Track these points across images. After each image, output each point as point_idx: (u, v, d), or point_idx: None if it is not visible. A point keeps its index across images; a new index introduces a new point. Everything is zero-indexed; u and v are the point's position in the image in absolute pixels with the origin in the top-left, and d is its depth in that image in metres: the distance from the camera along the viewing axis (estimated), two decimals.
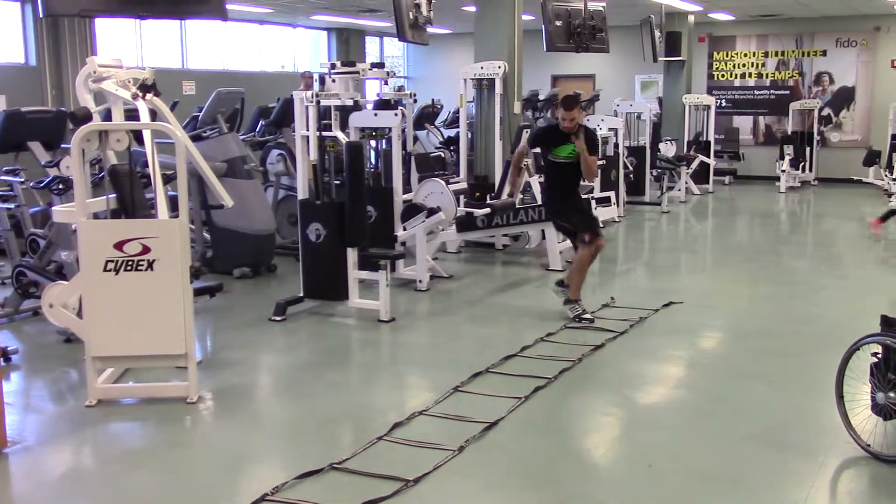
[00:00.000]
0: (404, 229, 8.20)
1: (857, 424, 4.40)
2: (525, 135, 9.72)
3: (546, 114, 15.70)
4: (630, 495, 4.02)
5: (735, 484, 4.10)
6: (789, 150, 16.25)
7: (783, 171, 15.96)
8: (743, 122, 18.21)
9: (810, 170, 16.67)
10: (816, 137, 16.82)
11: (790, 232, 12.71)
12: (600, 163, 11.82)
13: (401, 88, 8.96)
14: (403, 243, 8.29)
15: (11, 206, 7.65)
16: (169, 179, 6.68)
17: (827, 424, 4.65)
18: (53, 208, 6.18)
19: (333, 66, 7.69)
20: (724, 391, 5.43)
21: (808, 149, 16.60)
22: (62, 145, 7.79)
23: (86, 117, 6.12)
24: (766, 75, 17.94)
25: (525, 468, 4.32)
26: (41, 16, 7.07)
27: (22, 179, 7.78)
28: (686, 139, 16.05)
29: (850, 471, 4.31)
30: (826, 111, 17.31)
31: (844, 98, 17.33)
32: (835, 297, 8.09)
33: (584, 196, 8.02)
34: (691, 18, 17.03)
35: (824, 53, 17.37)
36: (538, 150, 7.48)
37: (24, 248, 7.38)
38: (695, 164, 15.25)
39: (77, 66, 11.08)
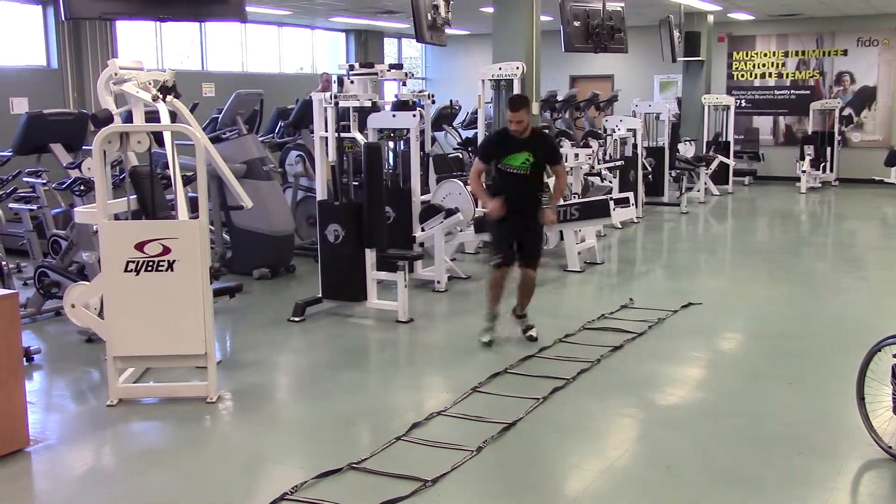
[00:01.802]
0: (422, 230, 8.21)
1: (879, 426, 4.36)
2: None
3: (565, 114, 15.66)
4: (649, 497, 4.01)
5: (755, 486, 4.08)
6: (810, 150, 16.13)
7: (803, 171, 15.84)
8: (763, 123, 18.09)
9: (831, 170, 16.53)
10: (837, 137, 16.68)
11: (810, 233, 12.61)
12: (618, 163, 11.87)
13: (420, 90, 8.96)
14: (422, 244, 8.29)
15: (34, 207, 7.73)
16: (189, 181, 6.73)
17: (848, 426, 4.61)
18: (75, 209, 6.24)
19: (352, 67, 7.72)
20: (744, 392, 5.40)
21: (828, 149, 16.46)
22: (83, 147, 7.88)
23: (107, 119, 6.17)
24: (787, 75, 17.82)
25: (543, 469, 4.32)
26: (63, 19, 7.13)
27: (44, 181, 7.86)
28: (705, 140, 15.96)
29: (872, 473, 4.27)
30: (847, 111, 17.16)
31: (866, 98, 17.17)
32: (855, 299, 8.03)
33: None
34: (710, 18, 16.94)
35: (845, 53, 17.23)
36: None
37: (46, 248, 7.45)
38: (714, 165, 15.17)
39: (98, 69, 11.16)
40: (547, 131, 10.17)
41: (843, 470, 4.23)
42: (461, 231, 8.88)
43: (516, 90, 9.89)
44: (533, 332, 6.38)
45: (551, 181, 6.73)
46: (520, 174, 6.09)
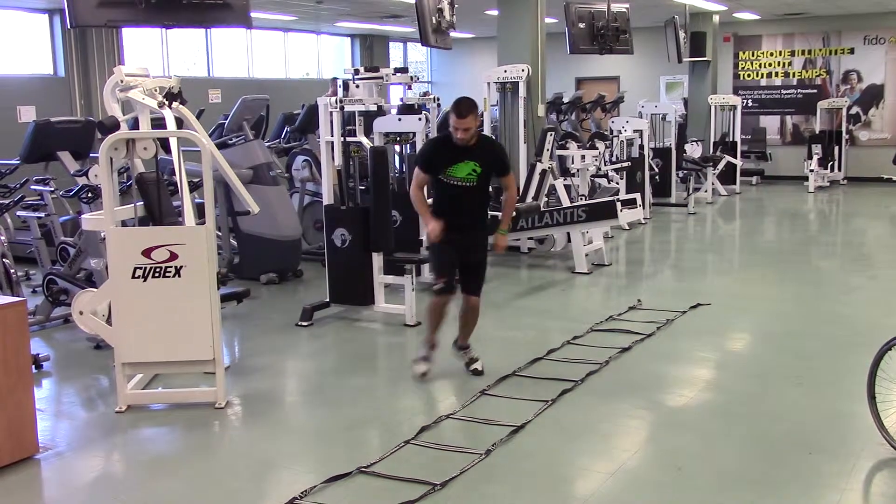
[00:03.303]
0: None
1: (890, 425, 4.33)
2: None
3: (570, 116, 15.65)
4: (660, 498, 3.99)
5: (766, 487, 4.06)
6: (817, 149, 16.08)
7: (811, 170, 15.79)
8: (770, 122, 18.05)
9: (839, 169, 16.48)
10: (845, 136, 16.63)
11: (819, 232, 12.57)
12: (625, 164, 11.84)
13: (425, 93, 8.96)
14: (428, 247, 8.28)
15: (42, 214, 7.76)
16: (196, 187, 6.74)
17: (859, 426, 4.59)
18: (83, 217, 6.25)
19: (357, 71, 7.72)
20: (754, 393, 5.37)
21: (836, 148, 16.41)
22: (91, 154, 7.90)
23: (114, 126, 6.20)
24: (793, 74, 17.77)
25: (553, 471, 4.30)
26: (69, 27, 7.14)
27: (52, 189, 7.89)
28: (712, 140, 15.92)
29: (883, 473, 4.25)
30: (854, 109, 17.12)
31: (873, 96, 17.12)
32: (865, 298, 7.99)
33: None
34: (716, 18, 16.90)
35: (852, 51, 17.18)
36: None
37: (54, 256, 7.48)
38: (721, 165, 15.13)
39: (105, 76, 11.22)
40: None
41: (854, 469, 4.21)
42: None
43: (521, 93, 9.89)
44: (478, 366, 5.71)
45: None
46: (465, 186, 5.40)
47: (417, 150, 7.90)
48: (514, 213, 8.89)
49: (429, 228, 5.46)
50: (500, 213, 5.91)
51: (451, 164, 5.39)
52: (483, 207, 5.66)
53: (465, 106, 5.29)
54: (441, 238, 5.41)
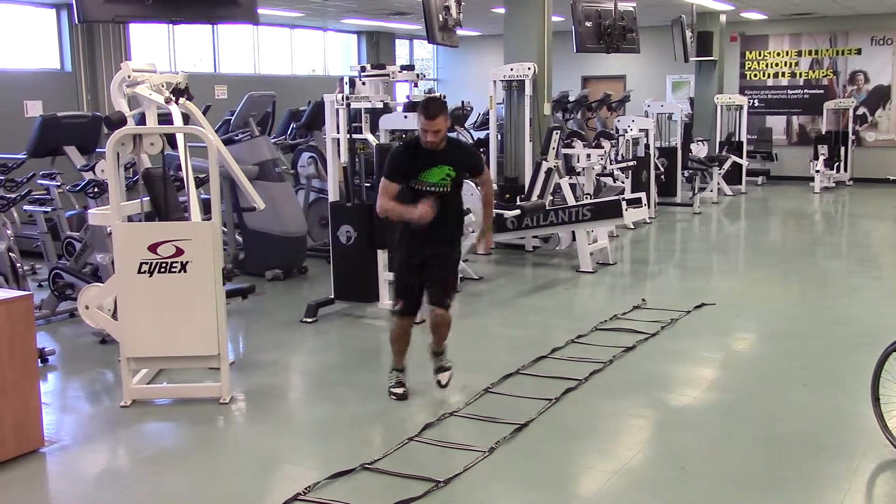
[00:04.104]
0: None
1: (894, 427, 4.33)
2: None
3: (576, 115, 15.64)
4: (663, 498, 4.00)
5: (769, 487, 4.06)
6: (823, 149, 16.05)
7: (817, 171, 15.76)
8: (776, 122, 18.01)
9: (845, 170, 16.45)
10: (851, 137, 16.60)
11: (824, 233, 12.55)
12: (630, 163, 11.83)
13: (431, 91, 8.96)
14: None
15: (48, 209, 7.77)
16: (201, 182, 6.75)
17: (863, 427, 4.58)
18: (89, 211, 6.27)
19: (363, 68, 7.73)
20: (758, 393, 5.37)
21: (842, 148, 16.38)
22: (97, 149, 7.92)
23: (120, 121, 6.21)
24: (800, 74, 17.73)
25: (555, 470, 4.31)
26: (77, 22, 7.16)
27: (58, 183, 7.90)
28: (718, 139, 15.90)
29: (887, 474, 4.25)
30: (861, 110, 17.07)
31: (880, 97, 17.07)
32: (870, 299, 7.98)
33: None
34: (723, 18, 16.87)
35: (859, 52, 17.13)
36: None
37: (60, 250, 7.49)
38: (727, 165, 15.11)
39: (112, 71, 11.25)
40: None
41: (858, 471, 4.21)
42: (473, 232, 8.86)
43: (528, 91, 9.88)
44: (442, 377, 5.33)
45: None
46: (439, 193, 5.02)
47: None
48: (521, 211, 8.93)
49: (418, 212, 4.95)
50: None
51: (423, 170, 5.02)
52: (459, 216, 5.36)
53: (434, 106, 4.93)
54: (402, 252, 5.16)
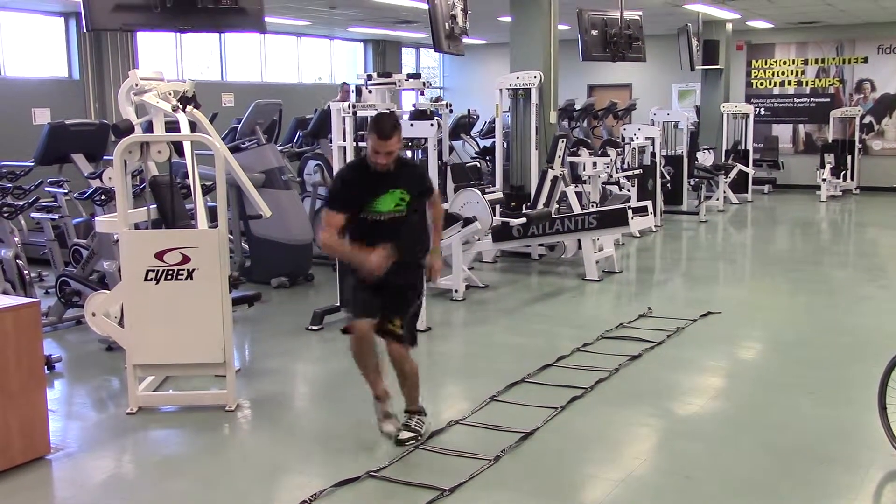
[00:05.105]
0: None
1: None
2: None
3: (582, 123, 15.66)
4: None
5: (775, 497, 4.05)
6: (830, 158, 16.02)
7: (824, 179, 15.74)
8: (782, 131, 17.99)
9: (851, 178, 16.42)
10: (858, 145, 16.58)
11: (831, 242, 12.52)
12: (636, 172, 11.83)
13: (437, 99, 8.98)
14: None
15: (55, 216, 7.81)
16: (208, 190, 6.78)
17: (869, 437, 4.57)
18: (96, 219, 6.29)
19: (370, 77, 7.75)
20: (764, 402, 5.36)
21: (849, 157, 16.36)
22: (105, 157, 7.95)
23: (128, 129, 6.24)
24: (806, 83, 17.72)
25: (561, 478, 4.30)
26: (85, 30, 7.20)
27: (66, 191, 7.94)
28: (724, 148, 15.90)
29: (894, 484, 4.24)
30: (868, 119, 17.06)
31: (887, 105, 17.05)
32: (876, 308, 7.95)
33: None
34: (729, 26, 16.88)
35: (865, 60, 17.12)
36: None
37: (67, 258, 7.52)
38: (733, 173, 15.10)
39: (119, 80, 11.30)
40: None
41: (864, 481, 4.19)
42: (479, 240, 8.88)
43: (534, 99, 9.89)
44: (403, 434, 4.62)
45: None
46: (394, 218, 4.48)
47: (429, 155, 7.92)
48: (526, 219, 8.91)
49: (371, 262, 4.34)
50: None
51: (373, 197, 4.43)
52: (423, 240, 4.72)
53: (388, 125, 4.34)
54: (355, 278, 4.58)
